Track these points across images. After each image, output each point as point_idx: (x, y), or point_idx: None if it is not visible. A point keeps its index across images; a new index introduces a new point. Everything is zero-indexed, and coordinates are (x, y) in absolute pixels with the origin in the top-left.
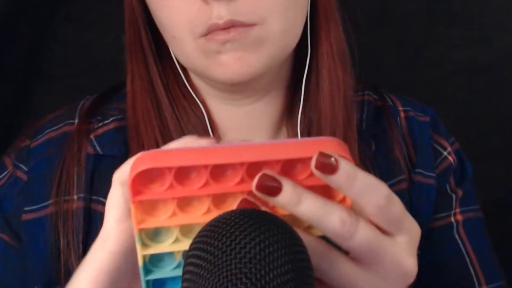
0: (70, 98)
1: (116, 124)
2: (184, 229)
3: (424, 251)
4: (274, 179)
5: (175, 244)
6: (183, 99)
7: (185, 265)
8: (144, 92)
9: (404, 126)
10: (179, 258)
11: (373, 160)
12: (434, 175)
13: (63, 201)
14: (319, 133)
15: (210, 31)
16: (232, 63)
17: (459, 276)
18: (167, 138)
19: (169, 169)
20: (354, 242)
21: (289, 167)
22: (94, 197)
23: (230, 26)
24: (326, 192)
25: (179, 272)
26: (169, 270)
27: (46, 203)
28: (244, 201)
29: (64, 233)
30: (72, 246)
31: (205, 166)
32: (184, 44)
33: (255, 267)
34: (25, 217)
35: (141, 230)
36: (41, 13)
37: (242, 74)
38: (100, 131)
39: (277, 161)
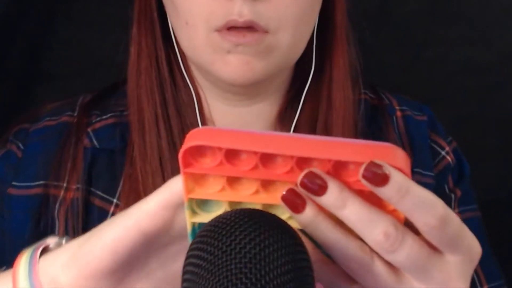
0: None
1: (114, 120)
2: (233, 204)
3: None
4: (320, 178)
5: None
6: (182, 84)
7: (185, 265)
8: (150, 67)
9: (400, 125)
10: None
11: None
12: (432, 174)
13: (57, 187)
14: None
15: (226, 27)
16: (239, 65)
17: None
18: (167, 118)
19: (220, 148)
20: (397, 257)
21: (341, 166)
22: (91, 189)
23: (248, 26)
24: (378, 198)
25: None
26: None
27: (34, 183)
28: (291, 191)
29: (60, 222)
30: (71, 236)
31: (255, 152)
32: (195, 34)
33: (255, 267)
34: (11, 190)
35: (191, 199)
36: (41, 13)
37: (246, 78)
38: (97, 125)
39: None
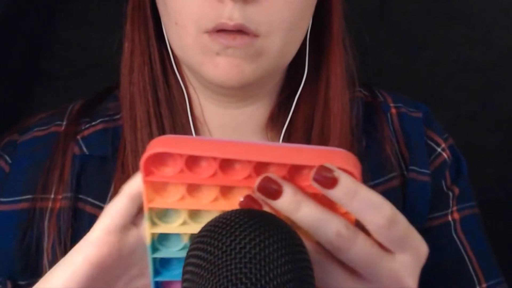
0: (70, 98)
1: (103, 126)
2: (192, 213)
3: None
4: (276, 183)
5: (183, 227)
6: (175, 83)
7: (185, 265)
8: (143, 64)
9: (395, 122)
10: (185, 240)
11: (364, 157)
12: (428, 172)
13: (44, 200)
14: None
15: (216, 30)
16: (228, 68)
17: (458, 275)
18: (160, 117)
19: (181, 155)
20: (349, 255)
21: (296, 171)
22: (80, 196)
23: (238, 30)
24: (330, 201)
25: (184, 254)
26: (175, 251)
27: (21, 198)
28: (248, 197)
29: (49, 233)
30: (58, 246)
31: (215, 158)
32: (184, 34)
33: (255, 267)
34: None
35: (151, 209)
36: (41, 13)
37: (235, 81)
38: (86, 132)
39: (285, 164)
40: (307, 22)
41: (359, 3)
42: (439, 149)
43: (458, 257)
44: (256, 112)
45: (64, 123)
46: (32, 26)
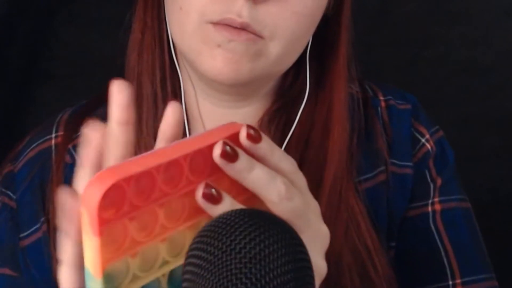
0: (70, 98)
1: None
2: (144, 264)
3: (399, 242)
4: (230, 146)
5: (133, 283)
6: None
7: (185, 265)
8: (154, 45)
9: (384, 115)
10: None
11: (355, 155)
12: (411, 164)
13: (49, 220)
14: (315, 165)
15: (221, 23)
16: (225, 62)
17: (431, 266)
18: (165, 99)
19: (127, 182)
20: (293, 204)
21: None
22: None
23: (243, 28)
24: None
25: None
26: None
27: (36, 226)
28: (207, 185)
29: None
30: None
31: (157, 171)
32: (187, 21)
33: (255, 267)
34: (22, 243)
35: (106, 269)
36: (41, 13)
37: (229, 77)
38: (78, 140)
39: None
40: (308, 37)
41: (359, 3)
42: (423, 140)
43: (433, 248)
44: (249, 115)
45: (53, 135)
46: (32, 26)
